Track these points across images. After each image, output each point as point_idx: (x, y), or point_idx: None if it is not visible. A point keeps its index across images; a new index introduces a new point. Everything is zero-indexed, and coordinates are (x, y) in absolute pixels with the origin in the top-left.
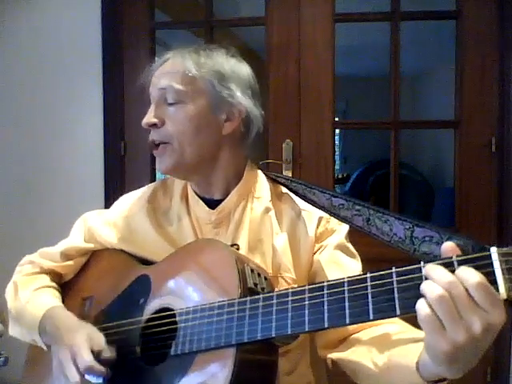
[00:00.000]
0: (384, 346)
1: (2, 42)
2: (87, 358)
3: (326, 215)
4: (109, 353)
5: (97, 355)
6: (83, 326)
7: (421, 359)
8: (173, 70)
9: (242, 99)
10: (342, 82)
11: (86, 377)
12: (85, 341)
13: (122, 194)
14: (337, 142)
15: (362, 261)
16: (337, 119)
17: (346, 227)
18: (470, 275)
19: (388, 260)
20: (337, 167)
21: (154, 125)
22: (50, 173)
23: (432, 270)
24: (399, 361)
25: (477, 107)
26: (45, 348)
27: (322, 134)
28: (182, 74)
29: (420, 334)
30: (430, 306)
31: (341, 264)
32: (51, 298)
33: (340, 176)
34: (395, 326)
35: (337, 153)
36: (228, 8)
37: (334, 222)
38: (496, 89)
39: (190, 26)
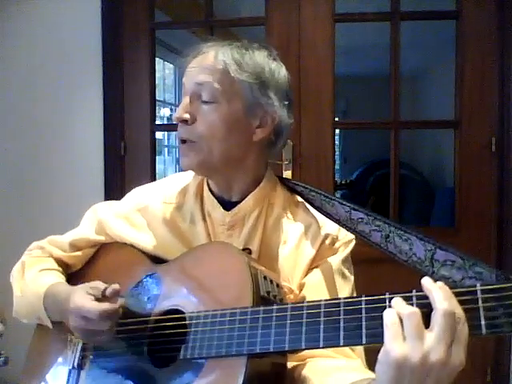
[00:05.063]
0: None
1: (2, 42)
2: (95, 307)
3: (333, 233)
4: (111, 288)
5: (102, 298)
6: (76, 287)
7: None
8: (213, 66)
9: (278, 108)
10: (341, 82)
11: None
12: (84, 296)
13: (121, 194)
14: (337, 142)
15: (363, 261)
16: (337, 119)
17: (349, 248)
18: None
19: (390, 259)
20: (337, 167)
21: (185, 121)
22: (50, 172)
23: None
24: None
25: (477, 107)
26: (50, 325)
27: (322, 134)
28: (223, 73)
29: (367, 374)
30: (398, 315)
31: (329, 289)
32: (55, 278)
33: (343, 182)
34: (338, 361)
35: (337, 153)
36: (228, 8)
37: (340, 242)
38: (496, 89)
39: (189, 25)
